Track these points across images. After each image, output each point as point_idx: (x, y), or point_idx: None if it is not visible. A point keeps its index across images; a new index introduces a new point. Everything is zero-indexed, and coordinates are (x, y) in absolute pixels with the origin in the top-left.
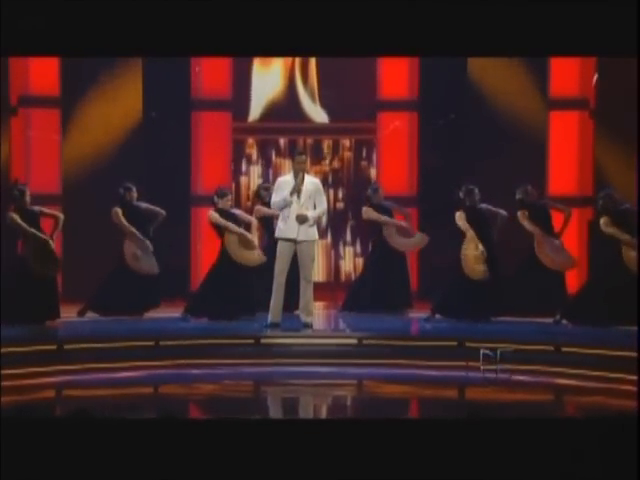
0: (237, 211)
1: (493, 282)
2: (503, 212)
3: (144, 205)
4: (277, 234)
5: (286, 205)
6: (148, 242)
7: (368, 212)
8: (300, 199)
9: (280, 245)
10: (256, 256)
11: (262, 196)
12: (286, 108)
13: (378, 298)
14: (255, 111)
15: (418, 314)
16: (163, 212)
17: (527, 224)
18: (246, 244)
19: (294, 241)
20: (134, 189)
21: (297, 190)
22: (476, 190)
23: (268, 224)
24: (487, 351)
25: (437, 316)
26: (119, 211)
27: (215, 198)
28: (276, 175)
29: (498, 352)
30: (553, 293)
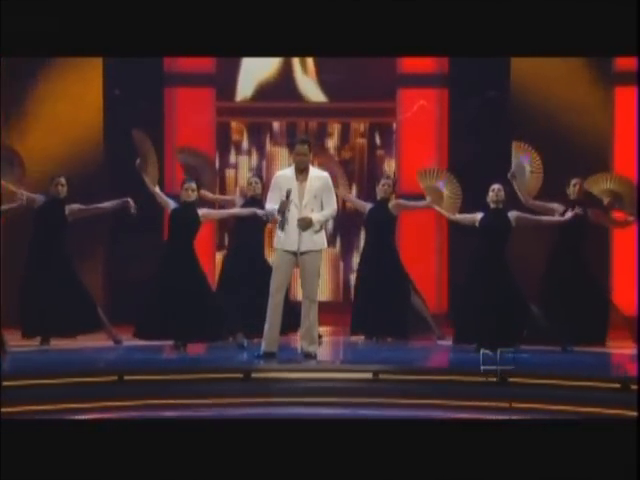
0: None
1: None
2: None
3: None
4: (276, 244)
5: (269, 221)
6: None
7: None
8: (303, 198)
9: (278, 256)
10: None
11: (253, 188)
12: (282, 84)
13: (380, 319)
14: (244, 88)
15: (448, 342)
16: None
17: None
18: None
19: (296, 253)
20: (63, 181)
21: (282, 210)
22: (495, 187)
23: (239, 221)
24: (487, 351)
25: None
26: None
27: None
28: (270, 167)
29: (498, 352)
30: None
